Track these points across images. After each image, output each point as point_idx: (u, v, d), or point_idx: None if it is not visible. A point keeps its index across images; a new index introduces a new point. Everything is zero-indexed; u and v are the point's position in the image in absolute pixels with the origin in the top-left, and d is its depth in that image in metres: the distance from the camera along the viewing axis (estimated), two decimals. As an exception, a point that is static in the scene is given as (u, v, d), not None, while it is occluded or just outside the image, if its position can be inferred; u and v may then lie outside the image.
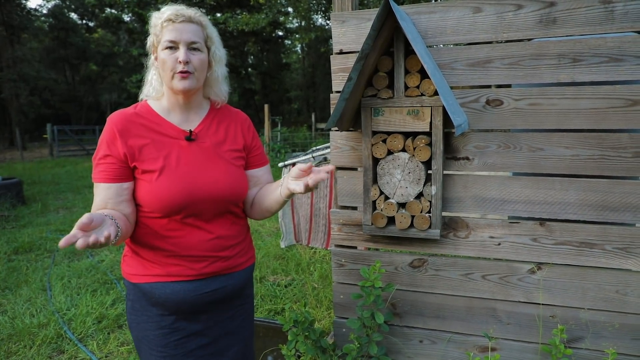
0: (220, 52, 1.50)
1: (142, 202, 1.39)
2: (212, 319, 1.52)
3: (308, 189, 1.30)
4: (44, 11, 30.87)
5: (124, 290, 3.97)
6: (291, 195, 1.45)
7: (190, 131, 1.46)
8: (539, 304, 1.97)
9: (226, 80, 1.58)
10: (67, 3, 31.25)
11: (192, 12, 1.42)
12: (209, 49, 1.47)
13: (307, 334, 2.18)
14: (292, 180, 1.38)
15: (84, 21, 32.69)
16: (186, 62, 1.37)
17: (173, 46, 1.37)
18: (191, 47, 1.39)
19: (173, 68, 1.37)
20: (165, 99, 1.47)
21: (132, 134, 1.38)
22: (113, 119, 1.40)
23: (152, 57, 1.47)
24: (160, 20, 1.38)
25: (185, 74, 1.37)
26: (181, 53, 1.36)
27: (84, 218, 1.08)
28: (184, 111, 1.48)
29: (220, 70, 1.52)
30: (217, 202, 1.44)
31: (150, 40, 1.45)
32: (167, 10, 1.39)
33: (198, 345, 1.50)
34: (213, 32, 1.48)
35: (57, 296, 3.89)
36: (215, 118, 1.54)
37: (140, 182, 1.39)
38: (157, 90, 1.49)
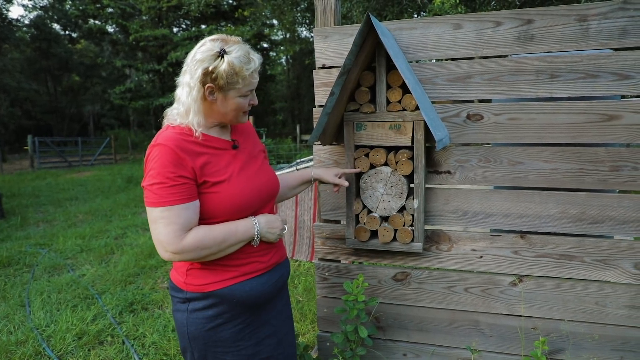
0: None
1: (214, 213, 1.46)
2: (275, 308, 1.67)
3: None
4: (26, 22, 30.56)
5: (106, 305, 3.91)
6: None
7: (234, 140, 1.59)
8: (521, 316, 1.99)
9: None
10: (50, 14, 30.97)
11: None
12: None
13: (290, 348, 2.16)
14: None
15: (67, 32, 32.39)
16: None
17: (250, 94, 1.53)
18: None
19: (245, 110, 1.54)
20: (204, 123, 1.49)
21: (193, 152, 1.43)
22: (169, 142, 1.39)
23: (199, 93, 1.44)
24: (249, 71, 1.45)
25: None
26: (254, 97, 1.57)
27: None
28: (220, 128, 1.58)
29: None
30: (272, 196, 1.65)
31: (207, 78, 1.42)
32: (255, 59, 1.47)
33: (266, 334, 1.62)
34: None
35: (36, 312, 3.80)
36: (238, 128, 1.68)
37: (209, 195, 1.45)
38: (194, 126, 1.46)
